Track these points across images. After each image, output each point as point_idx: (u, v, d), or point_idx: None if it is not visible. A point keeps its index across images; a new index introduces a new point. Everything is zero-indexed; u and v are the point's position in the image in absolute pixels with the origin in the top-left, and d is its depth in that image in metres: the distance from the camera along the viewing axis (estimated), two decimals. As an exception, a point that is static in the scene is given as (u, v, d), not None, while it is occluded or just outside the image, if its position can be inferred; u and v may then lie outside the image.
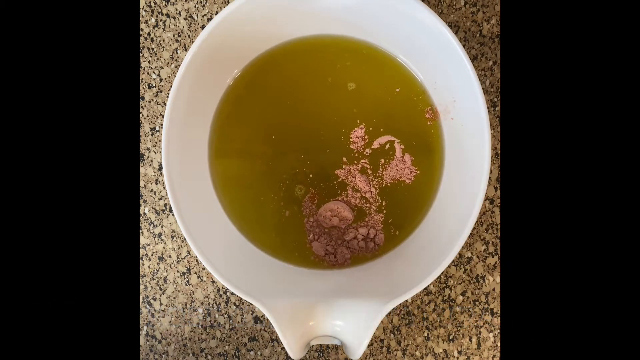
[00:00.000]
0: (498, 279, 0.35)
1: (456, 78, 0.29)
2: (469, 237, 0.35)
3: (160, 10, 0.34)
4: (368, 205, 0.32)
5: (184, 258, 0.35)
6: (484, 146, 0.29)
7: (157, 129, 0.35)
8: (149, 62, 0.35)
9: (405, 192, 0.32)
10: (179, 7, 0.34)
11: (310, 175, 0.32)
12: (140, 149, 0.35)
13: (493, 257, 0.35)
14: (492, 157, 0.33)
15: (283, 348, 0.36)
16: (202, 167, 0.32)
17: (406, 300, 0.35)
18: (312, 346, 0.36)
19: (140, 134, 0.35)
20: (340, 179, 0.32)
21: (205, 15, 0.34)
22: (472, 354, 0.36)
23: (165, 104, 0.35)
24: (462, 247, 0.34)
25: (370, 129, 0.32)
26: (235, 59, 0.32)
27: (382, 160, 0.32)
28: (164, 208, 0.35)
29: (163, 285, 0.36)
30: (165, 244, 0.35)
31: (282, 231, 0.33)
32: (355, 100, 0.33)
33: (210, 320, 0.36)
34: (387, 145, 0.32)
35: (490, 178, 0.32)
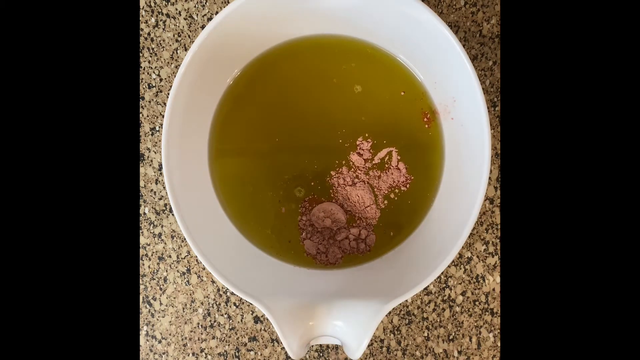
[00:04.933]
0: (498, 279, 0.35)
1: (456, 78, 0.29)
2: (469, 237, 0.35)
3: (160, 10, 0.34)
4: (361, 208, 0.32)
5: (184, 258, 0.35)
6: (484, 146, 0.29)
7: (157, 129, 0.35)
8: (149, 62, 0.35)
9: (400, 196, 0.32)
10: (179, 7, 0.34)
11: (312, 184, 0.32)
12: (140, 149, 0.35)
13: (493, 257, 0.35)
14: (492, 157, 0.33)
15: (283, 348, 0.36)
16: (202, 167, 0.32)
17: (406, 300, 0.35)
18: (312, 346, 0.36)
19: (140, 134, 0.35)
20: (337, 188, 0.32)
21: (205, 15, 0.34)
22: (472, 354, 0.36)
23: (165, 104, 0.35)
24: (462, 247, 0.34)
25: (375, 141, 0.32)
26: (235, 59, 0.32)
27: (379, 173, 0.32)
28: (164, 208, 0.35)
29: (163, 285, 0.36)
30: (165, 244, 0.35)
31: (278, 229, 0.33)
32: (363, 105, 0.32)
33: (210, 320, 0.36)
34: (387, 157, 0.32)
35: (490, 178, 0.32)
